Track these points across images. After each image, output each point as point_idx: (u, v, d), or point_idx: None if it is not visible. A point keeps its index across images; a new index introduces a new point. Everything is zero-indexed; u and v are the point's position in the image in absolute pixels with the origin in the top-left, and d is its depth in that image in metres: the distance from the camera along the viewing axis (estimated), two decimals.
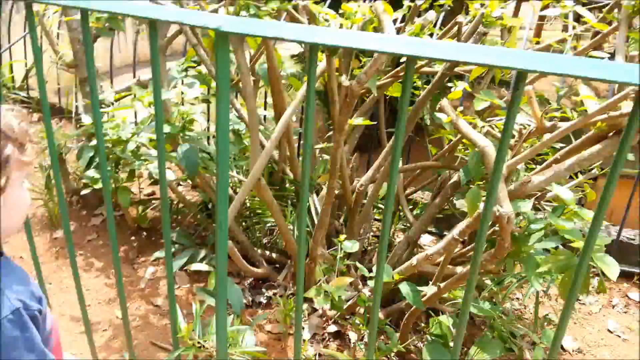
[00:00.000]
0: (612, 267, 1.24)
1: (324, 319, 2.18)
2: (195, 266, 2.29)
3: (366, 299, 1.77)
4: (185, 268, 2.36)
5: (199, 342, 1.42)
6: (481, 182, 1.59)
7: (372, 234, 2.69)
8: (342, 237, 1.74)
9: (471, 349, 1.85)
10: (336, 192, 2.19)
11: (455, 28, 1.72)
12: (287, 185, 2.36)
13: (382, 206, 2.76)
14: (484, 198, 1.42)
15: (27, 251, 2.42)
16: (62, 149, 2.58)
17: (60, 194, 1.28)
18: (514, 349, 1.92)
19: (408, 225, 2.42)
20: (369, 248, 2.64)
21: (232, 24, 0.90)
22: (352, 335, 2.13)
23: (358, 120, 1.65)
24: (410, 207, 2.62)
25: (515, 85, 0.76)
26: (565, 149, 1.42)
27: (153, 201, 2.68)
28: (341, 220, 2.51)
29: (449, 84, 1.89)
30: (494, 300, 2.02)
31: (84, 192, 2.42)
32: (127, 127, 2.07)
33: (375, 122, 2.13)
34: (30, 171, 0.88)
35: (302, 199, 0.88)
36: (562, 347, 2.19)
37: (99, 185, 2.39)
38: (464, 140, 1.87)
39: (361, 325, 2.00)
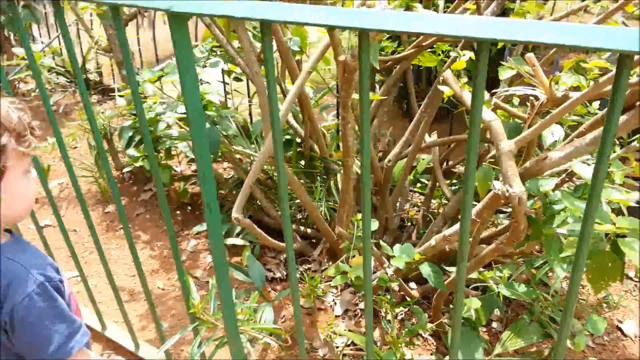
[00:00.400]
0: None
1: (357, 294, 2.17)
2: (230, 240, 2.35)
3: (387, 278, 1.72)
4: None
5: (212, 318, 1.46)
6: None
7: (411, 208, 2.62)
8: (359, 215, 1.70)
9: (504, 334, 1.76)
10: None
11: None
12: (315, 162, 2.34)
13: (423, 180, 2.67)
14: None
15: (79, 224, 2.60)
16: (106, 129, 2.71)
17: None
18: (553, 335, 1.80)
19: (446, 201, 2.33)
20: (408, 224, 2.57)
21: (181, 5, 0.89)
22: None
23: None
24: (455, 181, 2.51)
25: (476, 56, 0.68)
26: (589, 121, 1.27)
27: (192, 177, 2.76)
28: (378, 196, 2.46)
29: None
30: (530, 282, 1.91)
31: (126, 169, 2.53)
32: (158, 107, 2.12)
33: (385, 97, 2.03)
34: (30, 161, 0.93)
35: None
36: (622, 332, 2.03)
37: (139, 163, 2.49)
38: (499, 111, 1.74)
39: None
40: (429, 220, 2.34)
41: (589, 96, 1.14)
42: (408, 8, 1.31)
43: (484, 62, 0.68)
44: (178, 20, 0.91)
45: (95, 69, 3.90)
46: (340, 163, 2.30)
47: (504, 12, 1.85)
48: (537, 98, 1.24)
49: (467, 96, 1.34)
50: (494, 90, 1.43)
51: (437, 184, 2.27)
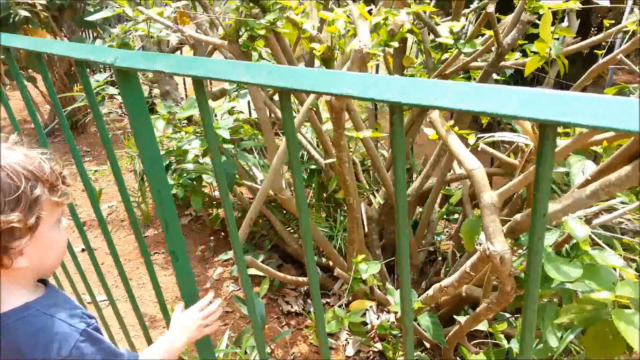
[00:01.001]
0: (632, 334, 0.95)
1: (371, 335, 2.07)
2: (250, 271, 2.34)
3: (388, 326, 1.62)
4: None
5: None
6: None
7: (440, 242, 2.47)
8: (360, 257, 1.62)
9: None
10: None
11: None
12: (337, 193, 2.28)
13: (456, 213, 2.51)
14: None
15: (118, 248, 2.73)
16: None
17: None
18: None
19: None
20: (439, 258, 2.43)
21: (124, 60, 0.90)
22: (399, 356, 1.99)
23: (366, 133, 1.50)
24: None
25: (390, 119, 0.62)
26: (595, 168, 1.12)
27: None
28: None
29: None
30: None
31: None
32: (190, 137, 2.17)
33: (386, 134, 1.93)
34: (62, 211, 0.89)
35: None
36: None
37: (173, 191, 2.58)
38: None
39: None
40: (461, 255, 2.20)
41: (577, 146, 1.00)
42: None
43: (399, 124, 0.62)
44: (123, 75, 0.92)
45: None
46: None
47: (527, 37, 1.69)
48: (527, 145, 1.11)
49: (452, 140, 1.23)
50: (479, 135, 1.30)
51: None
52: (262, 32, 1.63)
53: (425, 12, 1.77)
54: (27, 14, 3.09)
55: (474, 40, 1.43)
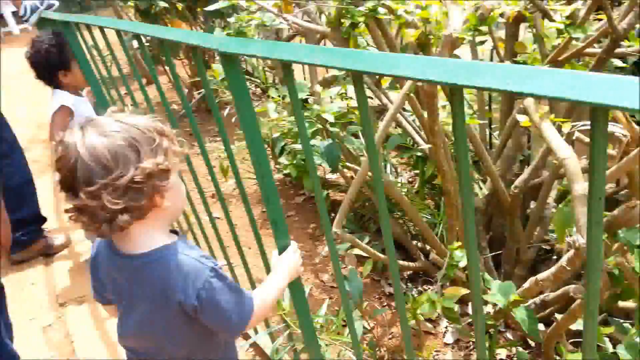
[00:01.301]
0: None
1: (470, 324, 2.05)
2: (355, 251, 2.44)
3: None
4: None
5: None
6: None
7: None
8: (456, 244, 1.62)
9: None
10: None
11: None
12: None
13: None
14: None
15: (239, 220, 2.99)
16: (269, 137, 3.06)
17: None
18: None
19: None
20: (553, 257, 2.30)
21: (226, 45, 1.03)
22: (501, 351, 1.96)
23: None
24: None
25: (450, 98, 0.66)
26: None
27: (334, 186, 2.93)
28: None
29: None
30: None
31: (276, 175, 2.83)
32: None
33: (484, 121, 1.84)
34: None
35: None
36: None
37: (287, 171, 2.76)
38: None
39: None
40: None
41: None
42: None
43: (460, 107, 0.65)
44: (226, 60, 1.06)
45: (263, 84, 4.36)
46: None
47: None
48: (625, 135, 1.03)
49: (546, 128, 1.18)
50: (574, 124, 1.22)
51: None
52: (362, 19, 1.69)
53: None
54: (165, 4, 3.48)
55: (585, 25, 1.33)
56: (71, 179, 0.91)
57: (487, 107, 2.50)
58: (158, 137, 0.96)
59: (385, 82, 2.37)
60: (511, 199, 1.94)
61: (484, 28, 1.34)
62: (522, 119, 1.28)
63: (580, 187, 1.09)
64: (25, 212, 2.68)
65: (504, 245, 2.12)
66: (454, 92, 0.65)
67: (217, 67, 3.73)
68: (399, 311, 1.05)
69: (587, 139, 1.21)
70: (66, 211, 0.95)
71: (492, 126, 2.64)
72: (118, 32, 1.60)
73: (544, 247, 2.21)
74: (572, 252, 1.23)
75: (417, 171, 2.43)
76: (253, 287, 1.93)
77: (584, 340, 0.67)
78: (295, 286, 1.38)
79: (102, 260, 1.10)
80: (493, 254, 2.13)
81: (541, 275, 1.37)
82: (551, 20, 1.57)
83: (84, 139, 0.91)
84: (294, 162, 2.81)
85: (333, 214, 2.94)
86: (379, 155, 1.87)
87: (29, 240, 2.79)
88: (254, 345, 2.10)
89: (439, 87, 1.59)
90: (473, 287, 0.79)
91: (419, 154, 2.35)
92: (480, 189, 2.15)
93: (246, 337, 2.02)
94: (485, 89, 0.59)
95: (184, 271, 0.99)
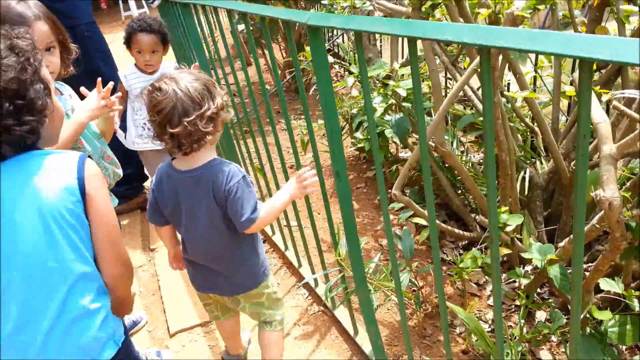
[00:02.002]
0: None
1: (516, 290, 2.18)
2: (415, 220, 2.63)
3: (520, 273, 1.76)
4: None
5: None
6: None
7: None
8: (504, 208, 1.77)
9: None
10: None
11: None
12: None
13: None
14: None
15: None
16: (348, 113, 3.31)
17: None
18: None
19: None
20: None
21: (313, 20, 1.29)
22: (540, 314, 2.08)
23: (523, 93, 1.64)
24: None
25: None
26: None
27: (403, 161, 3.12)
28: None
29: None
30: None
31: (351, 148, 3.07)
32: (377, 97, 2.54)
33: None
34: None
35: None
36: None
37: (360, 145, 3.00)
38: None
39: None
40: None
41: None
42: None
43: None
44: (313, 32, 1.31)
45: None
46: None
47: None
48: None
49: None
50: (611, 92, 1.32)
51: None
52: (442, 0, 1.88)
53: None
54: None
55: None
56: (172, 114, 1.29)
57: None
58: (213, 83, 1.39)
59: (467, 64, 2.52)
60: (570, 175, 2.04)
61: (542, 7, 1.48)
62: (569, 89, 1.42)
63: (608, 148, 1.23)
64: (130, 169, 3.14)
65: (558, 221, 2.21)
66: (482, 52, 0.85)
67: (308, 49, 4.04)
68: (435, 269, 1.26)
69: (622, 107, 1.33)
70: (160, 139, 1.36)
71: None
72: (229, 11, 1.93)
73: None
74: (602, 212, 1.36)
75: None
76: (319, 247, 2.21)
77: (573, 262, 0.84)
78: (350, 235, 1.64)
79: (166, 182, 1.48)
80: (548, 228, 2.23)
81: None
82: (635, 4, 1.66)
83: (179, 86, 1.30)
84: (367, 137, 3.04)
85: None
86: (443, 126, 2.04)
87: (131, 194, 3.31)
88: (311, 292, 2.37)
89: (499, 60, 1.75)
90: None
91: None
92: (542, 164, 2.24)
93: (300, 279, 2.30)
94: (507, 49, 0.79)
95: (225, 172, 1.39)
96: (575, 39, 0.71)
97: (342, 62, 4.91)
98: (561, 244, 1.58)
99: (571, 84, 1.43)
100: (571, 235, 1.52)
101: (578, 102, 0.74)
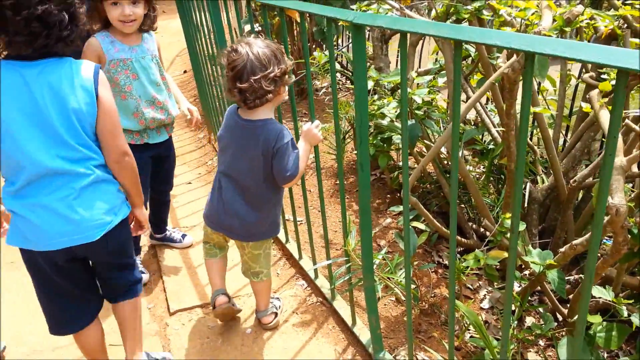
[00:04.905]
0: None
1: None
2: (415, 224, 2.73)
3: (518, 276, 1.86)
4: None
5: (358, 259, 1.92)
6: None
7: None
8: (508, 215, 1.88)
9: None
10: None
11: None
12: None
13: None
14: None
15: (314, 187, 3.35)
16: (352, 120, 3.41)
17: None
18: None
19: None
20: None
21: (359, 18, 1.38)
22: (529, 320, 2.19)
23: (536, 109, 1.75)
24: None
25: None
26: None
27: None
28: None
29: None
30: None
31: (355, 152, 3.16)
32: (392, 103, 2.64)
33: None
34: None
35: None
36: None
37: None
38: None
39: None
40: None
41: None
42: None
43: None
44: (357, 30, 1.40)
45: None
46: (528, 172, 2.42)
47: None
48: None
49: (603, 115, 1.44)
50: (625, 111, 1.45)
51: None
52: (467, 16, 1.99)
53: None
54: None
55: None
56: (242, 71, 1.57)
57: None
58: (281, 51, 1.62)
59: (476, 82, 2.65)
60: (568, 192, 2.16)
61: (568, 29, 1.61)
62: (585, 106, 1.54)
63: (619, 160, 1.34)
64: None
65: (551, 235, 2.34)
66: (527, 57, 0.95)
67: (317, 55, 4.13)
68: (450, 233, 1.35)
69: (635, 126, 1.45)
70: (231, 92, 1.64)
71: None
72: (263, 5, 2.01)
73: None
74: (606, 218, 1.47)
75: (486, 162, 2.68)
76: (311, 239, 2.32)
77: (586, 265, 0.95)
78: (364, 225, 1.73)
79: (229, 123, 1.77)
80: (542, 241, 2.35)
81: (577, 241, 1.61)
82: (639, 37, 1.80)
83: (251, 49, 1.57)
84: (374, 141, 3.13)
85: (398, 194, 3.25)
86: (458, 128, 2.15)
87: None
88: (311, 283, 2.44)
89: (520, 76, 1.87)
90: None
91: (491, 146, 2.61)
92: (543, 181, 2.37)
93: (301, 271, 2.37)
94: (552, 56, 0.89)
95: (277, 132, 1.67)
96: (614, 52, 0.82)
97: (346, 71, 5.04)
98: (562, 250, 1.69)
99: (585, 101, 1.55)
100: (572, 242, 1.63)
101: (613, 104, 0.85)
